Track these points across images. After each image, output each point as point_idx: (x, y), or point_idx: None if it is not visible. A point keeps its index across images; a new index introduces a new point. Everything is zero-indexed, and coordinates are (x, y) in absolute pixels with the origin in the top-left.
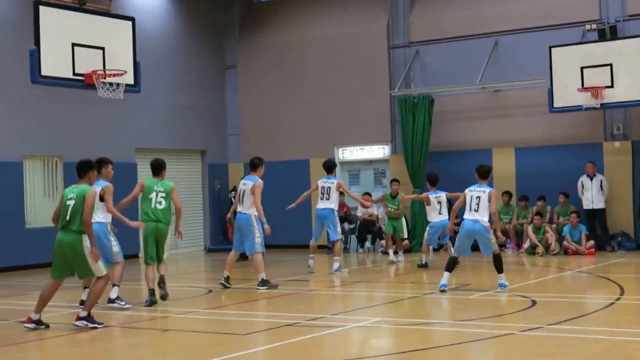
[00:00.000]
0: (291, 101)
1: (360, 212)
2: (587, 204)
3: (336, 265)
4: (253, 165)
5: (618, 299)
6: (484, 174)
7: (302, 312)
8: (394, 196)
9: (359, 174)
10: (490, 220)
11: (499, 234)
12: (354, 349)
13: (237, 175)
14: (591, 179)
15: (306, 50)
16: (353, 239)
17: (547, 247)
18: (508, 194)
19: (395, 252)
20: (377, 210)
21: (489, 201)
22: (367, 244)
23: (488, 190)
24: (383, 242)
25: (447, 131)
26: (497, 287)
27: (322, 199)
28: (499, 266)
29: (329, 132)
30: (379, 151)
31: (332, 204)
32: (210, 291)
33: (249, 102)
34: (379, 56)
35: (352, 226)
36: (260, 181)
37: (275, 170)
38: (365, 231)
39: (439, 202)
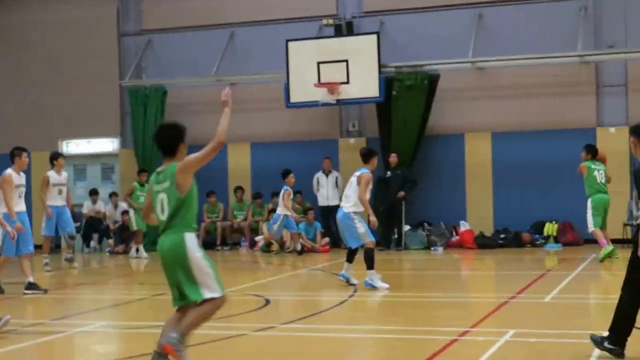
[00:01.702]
0: (10, 90)
1: (85, 209)
2: (322, 201)
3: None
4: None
5: (351, 295)
6: (363, 156)
7: (20, 318)
8: (142, 185)
9: (86, 168)
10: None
11: (372, 219)
12: (76, 357)
13: None
14: (327, 175)
15: (26, 35)
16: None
17: (282, 245)
18: (241, 189)
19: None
20: (104, 208)
21: (358, 184)
22: (93, 243)
23: (359, 172)
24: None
25: None
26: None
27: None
28: (367, 261)
29: (53, 124)
30: (107, 145)
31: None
32: None
33: None
34: (108, 44)
35: (77, 224)
36: (4, 174)
37: None
38: (92, 230)
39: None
